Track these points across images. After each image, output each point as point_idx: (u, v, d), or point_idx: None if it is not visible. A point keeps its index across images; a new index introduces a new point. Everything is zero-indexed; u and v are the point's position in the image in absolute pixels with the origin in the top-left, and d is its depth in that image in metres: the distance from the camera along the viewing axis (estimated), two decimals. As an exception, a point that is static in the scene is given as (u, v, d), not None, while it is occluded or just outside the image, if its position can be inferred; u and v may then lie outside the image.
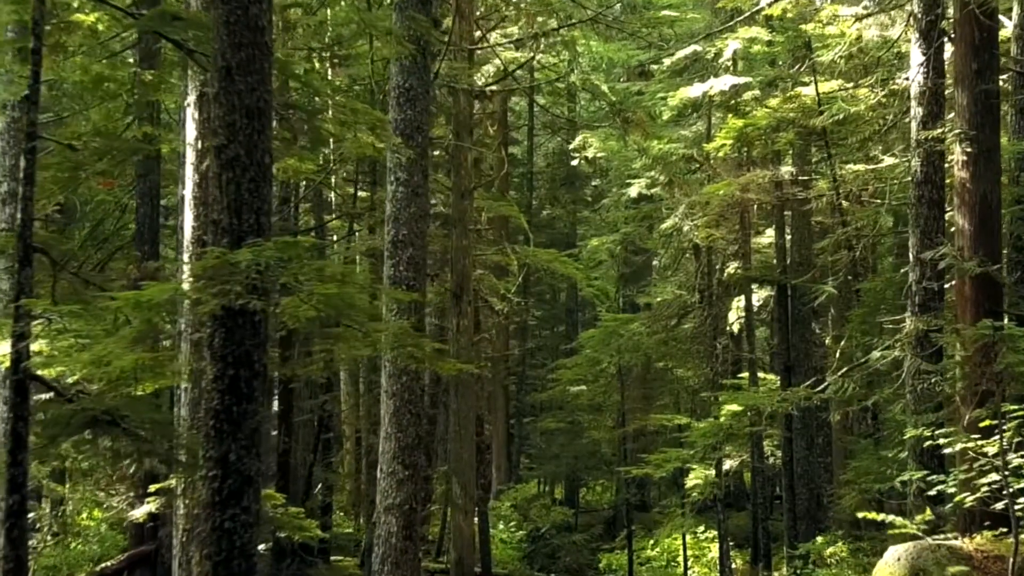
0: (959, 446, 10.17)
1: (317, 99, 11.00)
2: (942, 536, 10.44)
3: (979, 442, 9.80)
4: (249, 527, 7.83)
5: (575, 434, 34.23)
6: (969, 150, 13.73)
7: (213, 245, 7.94)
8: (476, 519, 25.52)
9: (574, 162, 35.00)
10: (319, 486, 26.85)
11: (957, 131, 13.95)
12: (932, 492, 10.96)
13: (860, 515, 19.49)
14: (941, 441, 10.52)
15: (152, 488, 11.89)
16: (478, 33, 23.26)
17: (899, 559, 9.33)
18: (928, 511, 10.44)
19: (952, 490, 10.53)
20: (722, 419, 16.21)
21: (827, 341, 28.93)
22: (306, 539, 10.93)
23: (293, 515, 10.81)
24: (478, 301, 25.16)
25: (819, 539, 26.58)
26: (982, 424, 9.97)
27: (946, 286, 14.68)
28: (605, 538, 34.97)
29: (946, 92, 14.92)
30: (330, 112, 11.89)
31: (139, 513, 13.19)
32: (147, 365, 8.02)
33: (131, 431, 10.34)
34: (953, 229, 14.83)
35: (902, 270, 17.76)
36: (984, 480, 10.08)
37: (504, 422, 39.74)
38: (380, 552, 14.51)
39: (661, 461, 17.20)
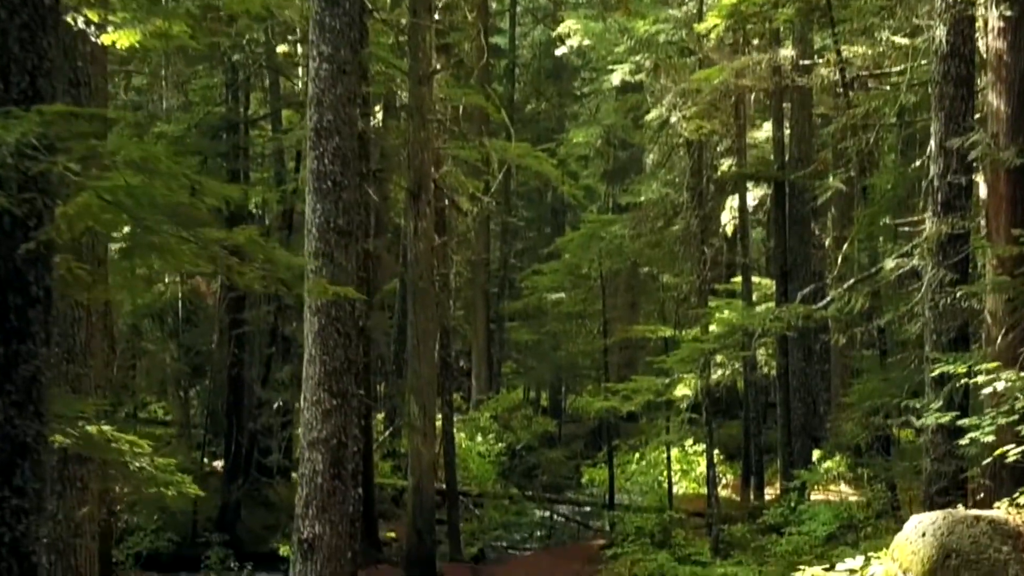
0: (1003, 384, 7.92)
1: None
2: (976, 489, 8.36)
3: (1030, 380, 7.60)
4: (24, 515, 5.59)
5: (554, 345, 32.08)
6: (1008, 13, 11.20)
7: (-29, 120, 5.58)
8: (443, 439, 23.55)
9: (560, 51, 32.41)
10: (278, 402, 24.80)
11: (993, -11, 11.42)
12: (964, 441, 8.82)
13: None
14: (980, 379, 8.24)
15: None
16: None
17: (924, 535, 7.11)
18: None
19: (989, 438, 8.36)
20: (707, 338, 13.94)
21: (827, 243, 26.92)
22: (176, 501, 8.75)
23: (161, 468, 8.58)
24: (443, 201, 22.75)
25: (816, 454, 24.67)
26: (1034, 358, 7.77)
27: (976, 180, 12.27)
28: (590, 449, 33.11)
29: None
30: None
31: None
32: None
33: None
34: (981, 114, 12.43)
35: (916, 163, 15.28)
36: (1033, 426, 7.92)
37: (484, 328, 37.74)
38: (304, 493, 12.37)
39: (630, 392, 14.83)
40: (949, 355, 9.59)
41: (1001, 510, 7.41)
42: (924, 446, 11.34)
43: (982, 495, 11.53)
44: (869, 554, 8.00)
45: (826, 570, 8.24)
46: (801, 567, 8.84)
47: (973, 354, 9.81)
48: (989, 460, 8.53)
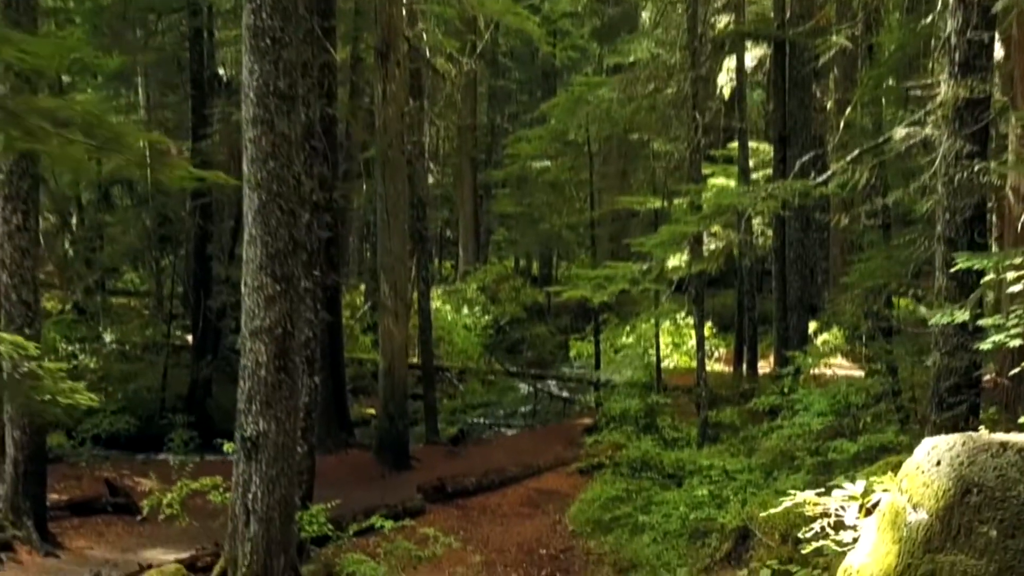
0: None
1: None
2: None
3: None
4: None
5: (540, 216, 30.71)
6: None
7: None
8: (417, 315, 22.46)
9: None
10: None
11: None
12: (987, 345, 7.59)
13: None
14: (1011, 276, 6.96)
15: None
16: None
17: (939, 463, 5.87)
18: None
19: (1016, 342, 7.15)
20: (691, 220, 12.61)
21: (829, 107, 25.55)
22: (67, 405, 7.59)
23: (50, 373, 7.38)
24: (418, 62, 21.18)
25: (812, 325, 23.65)
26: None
27: (998, 38, 10.81)
28: (580, 321, 32.06)
29: None
30: None
31: None
32: None
33: None
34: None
35: (927, 18, 13.73)
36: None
37: (471, 197, 36.51)
38: (246, 387, 11.15)
39: (603, 279, 13.41)
40: (978, 255, 8.20)
41: (1029, 434, 6.20)
42: (933, 338, 10.10)
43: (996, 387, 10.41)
44: (871, 479, 6.86)
45: (820, 494, 7.10)
46: (794, 494, 7.61)
47: (997, 255, 8.39)
48: (1017, 370, 7.33)
